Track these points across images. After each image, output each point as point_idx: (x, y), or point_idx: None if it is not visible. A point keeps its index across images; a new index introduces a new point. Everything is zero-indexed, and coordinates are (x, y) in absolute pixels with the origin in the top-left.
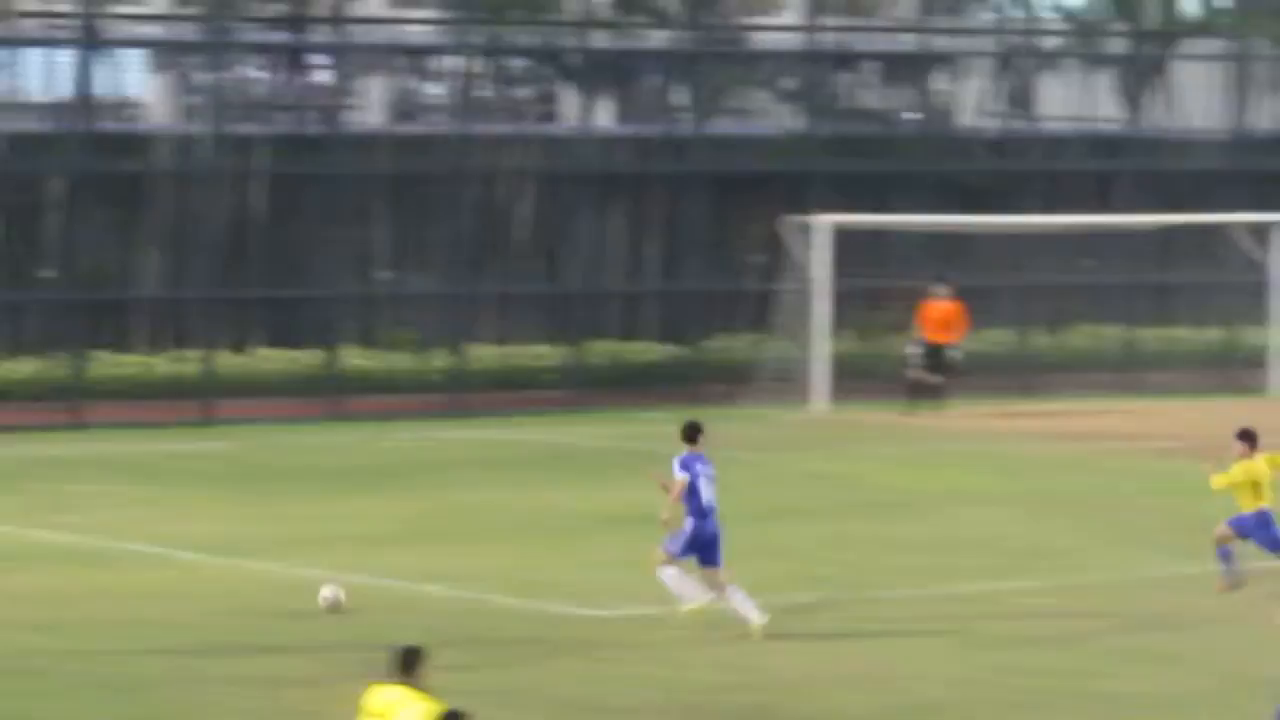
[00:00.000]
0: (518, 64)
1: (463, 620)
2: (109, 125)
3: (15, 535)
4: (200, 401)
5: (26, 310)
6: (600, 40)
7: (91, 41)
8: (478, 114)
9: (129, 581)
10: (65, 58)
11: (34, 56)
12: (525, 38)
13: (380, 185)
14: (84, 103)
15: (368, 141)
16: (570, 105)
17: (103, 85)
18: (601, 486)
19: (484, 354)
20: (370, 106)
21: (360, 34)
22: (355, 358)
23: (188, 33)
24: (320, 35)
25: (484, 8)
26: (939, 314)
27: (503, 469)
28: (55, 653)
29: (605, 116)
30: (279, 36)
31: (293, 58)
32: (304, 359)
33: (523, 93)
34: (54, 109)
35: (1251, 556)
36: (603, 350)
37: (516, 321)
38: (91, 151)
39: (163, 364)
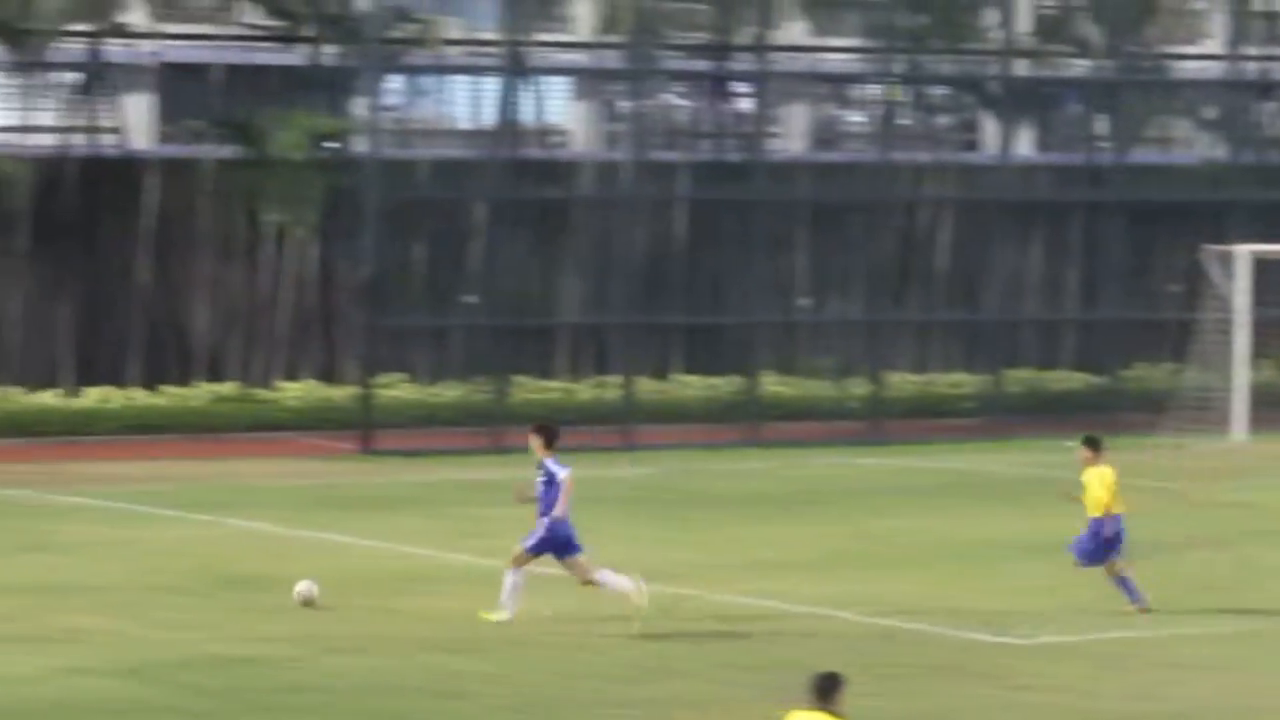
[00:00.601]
0: (938, 92)
1: (875, 646)
2: (533, 152)
3: (436, 558)
4: (620, 427)
5: (450, 335)
6: (1021, 69)
7: (516, 69)
8: (898, 142)
9: (541, 605)
10: (490, 85)
11: (460, 84)
12: (946, 66)
13: (800, 212)
14: (508, 129)
15: (788, 169)
16: (990, 134)
17: (527, 112)
18: (1017, 514)
19: (902, 381)
20: (791, 134)
21: (782, 62)
22: (774, 384)
23: (611, 60)
24: (742, 63)
25: (905, 36)
26: None
27: (918, 496)
28: (474, 675)
29: (1025, 145)
30: (701, 64)
31: (715, 85)
32: (723, 385)
33: (943, 121)
34: (479, 136)
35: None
36: (1020, 378)
37: (934, 349)
38: (515, 178)
39: (584, 390)
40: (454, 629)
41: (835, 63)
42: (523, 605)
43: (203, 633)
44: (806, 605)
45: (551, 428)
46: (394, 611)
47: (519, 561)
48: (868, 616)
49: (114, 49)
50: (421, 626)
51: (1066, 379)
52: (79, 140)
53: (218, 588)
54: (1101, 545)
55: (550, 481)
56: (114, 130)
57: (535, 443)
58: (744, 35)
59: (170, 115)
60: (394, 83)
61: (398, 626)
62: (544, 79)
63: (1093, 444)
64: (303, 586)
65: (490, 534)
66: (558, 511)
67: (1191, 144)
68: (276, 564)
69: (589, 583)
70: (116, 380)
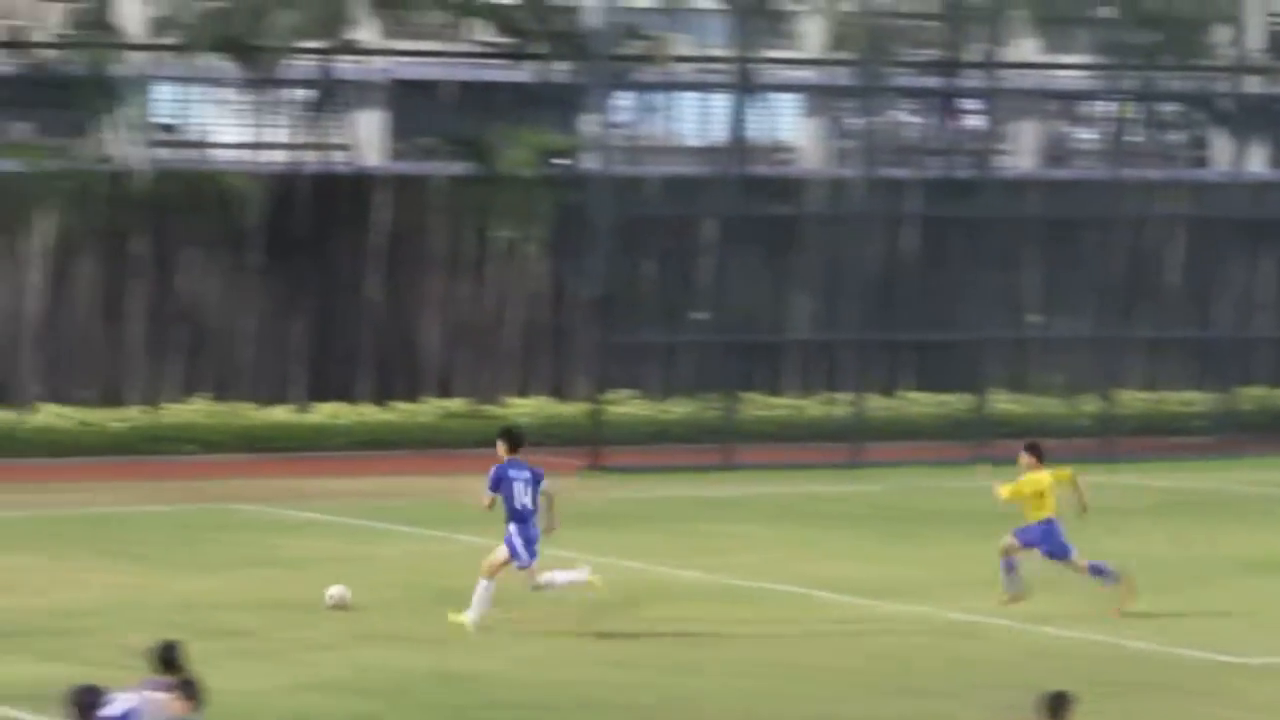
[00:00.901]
0: (1169, 109)
1: (1100, 665)
2: (762, 169)
3: (665, 574)
4: (849, 444)
5: (680, 351)
6: (1253, 85)
7: (746, 86)
8: (1128, 159)
9: (771, 621)
10: (720, 102)
11: (689, 101)
12: (1177, 83)
13: (1031, 229)
14: (738, 146)
15: (1018, 185)
16: (1222, 150)
17: (757, 129)
18: (1248, 532)
19: (1132, 399)
20: (1021, 150)
21: (1012, 79)
22: (1004, 401)
23: (841, 77)
24: (972, 80)
25: (1136, 53)
26: None
27: (1148, 515)
28: (703, 692)
29: (1257, 162)
30: (931, 81)
31: (945, 102)
32: (952, 402)
33: (1174, 138)
34: (708, 152)
35: None
36: (1254, 396)
37: (1166, 367)
38: (744, 195)
39: (813, 406)
40: (683, 647)
41: (1066, 79)
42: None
43: (434, 648)
44: (1033, 623)
45: (518, 433)
46: (623, 628)
47: (490, 573)
48: (1092, 634)
49: (345, 66)
50: (656, 643)
51: None
52: (310, 157)
53: (449, 604)
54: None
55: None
56: (345, 147)
57: (503, 448)
58: (974, 52)
59: (401, 132)
60: (623, 99)
61: (624, 642)
62: (774, 96)
63: (1034, 450)
64: (335, 591)
65: (722, 550)
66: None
67: None
68: (507, 580)
69: (538, 587)
70: (347, 396)
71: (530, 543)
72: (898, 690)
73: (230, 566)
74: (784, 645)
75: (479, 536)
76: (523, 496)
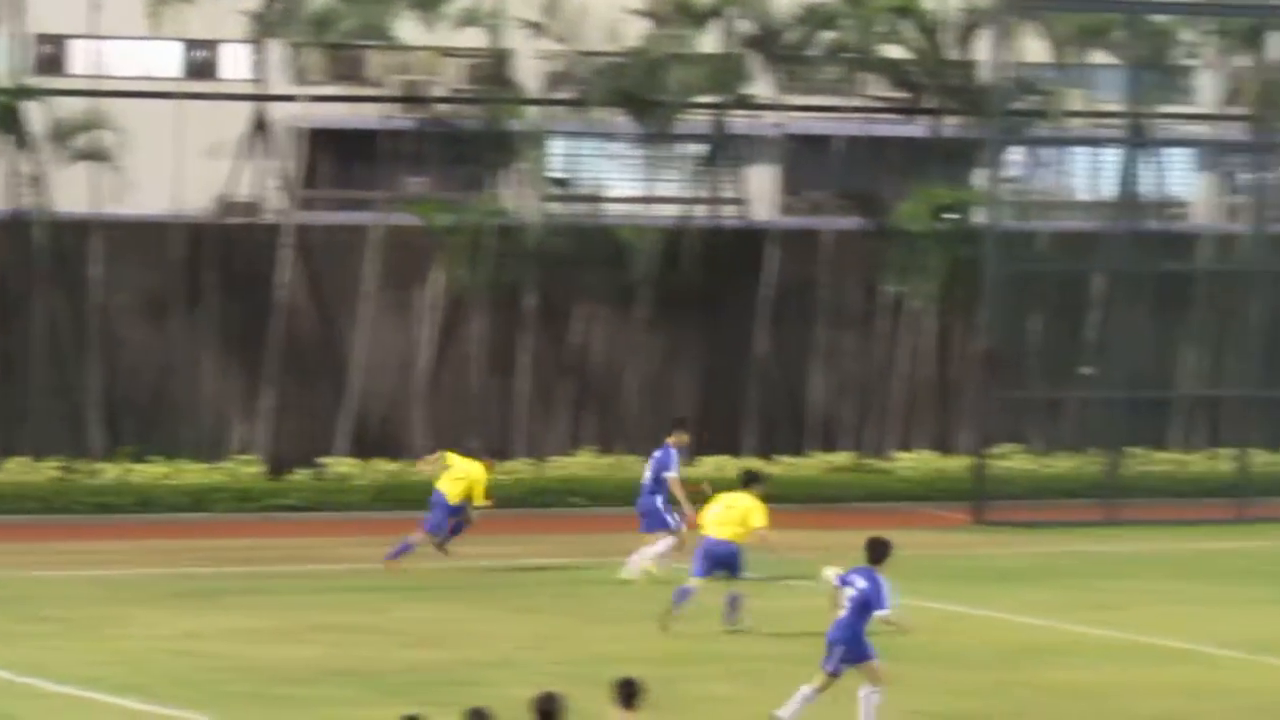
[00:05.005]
0: None
1: None
2: (1153, 224)
3: (1057, 629)
4: (1235, 500)
5: (1065, 406)
6: None
7: (1138, 141)
8: None
9: (1159, 677)
10: (1111, 157)
11: (1080, 155)
12: None
13: None
14: (1129, 201)
15: None
16: None
17: (1148, 184)
18: None
19: None
20: None
21: None
22: None
23: (1233, 132)
24: None
25: None
26: None
27: None
28: None
29: None
30: None
31: None
32: None
33: None
34: (1098, 207)
35: None
36: None
37: None
38: (1135, 250)
39: (1197, 461)
40: (1073, 702)
41: None
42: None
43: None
44: None
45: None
46: (1025, 684)
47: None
48: None
49: (738, 120)
50: (1060, 700)
51: None
52: (701, 211)
53: None
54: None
55: None
56: (737, 201)
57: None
58: None
59: (792, 186)
60: (1015, 154)
61: (1029, 699)
62: (1166, 150)
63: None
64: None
65: (1110, 605)
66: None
67: None
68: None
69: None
70: (732, 449)
71: None
72: None
73: (626, 620)
74: (1163, 699)
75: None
76: None
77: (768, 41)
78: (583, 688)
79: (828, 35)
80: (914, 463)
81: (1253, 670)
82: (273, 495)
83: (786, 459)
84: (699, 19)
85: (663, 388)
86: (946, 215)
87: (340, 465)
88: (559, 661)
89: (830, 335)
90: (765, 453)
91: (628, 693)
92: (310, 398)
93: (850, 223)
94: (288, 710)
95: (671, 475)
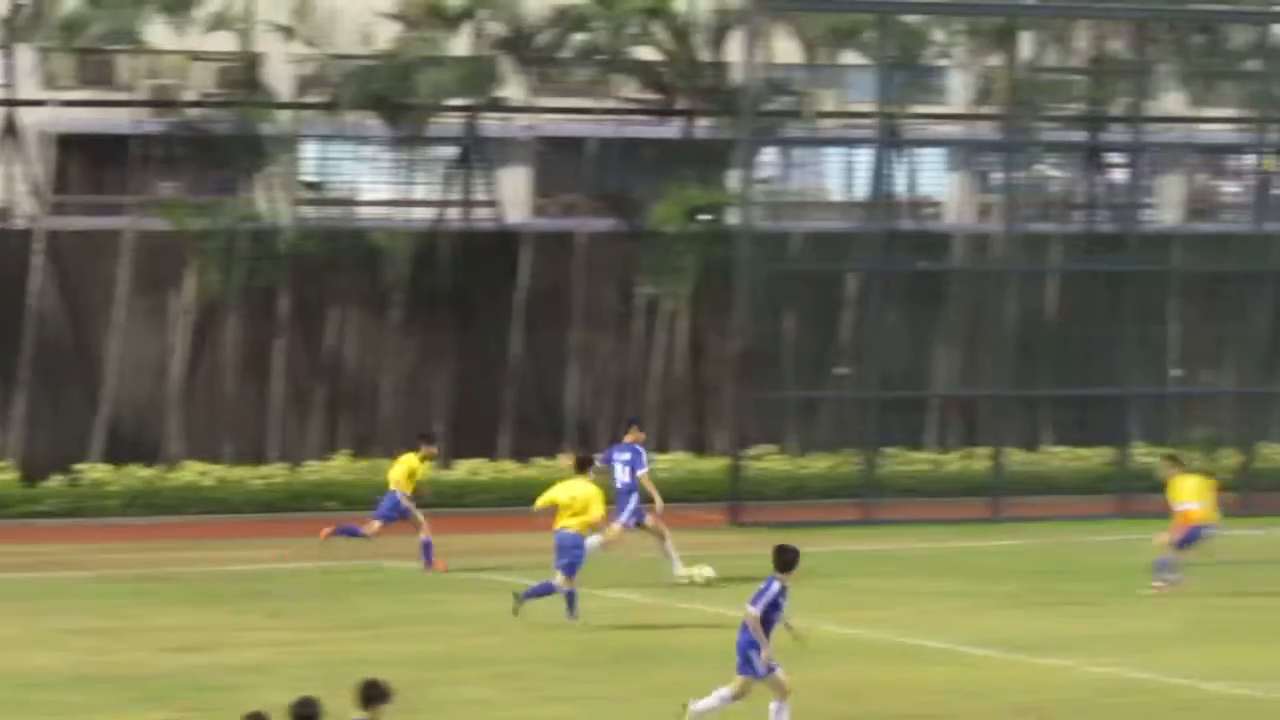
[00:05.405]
0: None
1: None
2: (906, 224)
3: (815, 630)
4: (989, 499)
5: (820, 407)
6: None
7: (891, 141)
8: (1274, 212)
9: (917, 676)
10: (864, 157)
11: (833, 156)
12: None
13: (1173, 283)
14: (882, 201)
15: (1162, 240)
16: None
17: (900, 184)
18: None
19: (1274, 453)
20: (1165, 204)
21: (1158, 133)
22: (1145, 456)
23: (985, 132)
24: (1117, 134)
25: None
26: None
27: None
28: None
29: None
30: (1076, 135)
31: (1089, 156)
32: (1093, 457)
33: None
34: (851, 208)
35: None
36: None
37: None
38: (888, 250)
39: (953, 461)
40: (829, 701)
41: (1211, 133)
42: None
43: (599, 705)
44: (1180, 677)
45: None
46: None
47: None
48: (1236, 687)
49: (490, 123)
50: (819, 700)
51: None
52: (454, 213)
53: (605, 660)
54: None
55: None
56: (489, 204)
57: None
58: (1119, 106)
59: (545, 188)
60: (768, 155)
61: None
62: (919, 150)
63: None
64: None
65: (867, 605)
66: None
67: None
68: (651, 636)
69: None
70: (488, 453)
71: None
72: None
73: (385, 622)
74: (923, 699)
75: (623, 592)
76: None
77: (519, 44)
78: (341, 691)
79: (579, 37)
80: (669, 464)
81: (1010, 669)
82: (27, 502)
83: (543, 461)
84: (450, 22)
85: (418, 391)
86: (700, 216)
87: (95, 471)
88: (317, 665)
89: (585, 337)
90: (521, 456)
91: (366, 695)
92: (64, 404)
93: (604, 224)
94: (44, 717)
95: (643, 473)
